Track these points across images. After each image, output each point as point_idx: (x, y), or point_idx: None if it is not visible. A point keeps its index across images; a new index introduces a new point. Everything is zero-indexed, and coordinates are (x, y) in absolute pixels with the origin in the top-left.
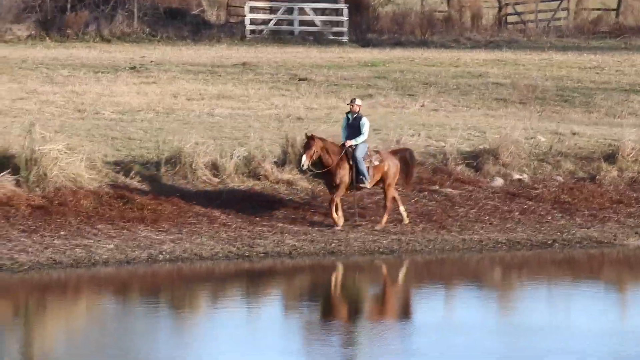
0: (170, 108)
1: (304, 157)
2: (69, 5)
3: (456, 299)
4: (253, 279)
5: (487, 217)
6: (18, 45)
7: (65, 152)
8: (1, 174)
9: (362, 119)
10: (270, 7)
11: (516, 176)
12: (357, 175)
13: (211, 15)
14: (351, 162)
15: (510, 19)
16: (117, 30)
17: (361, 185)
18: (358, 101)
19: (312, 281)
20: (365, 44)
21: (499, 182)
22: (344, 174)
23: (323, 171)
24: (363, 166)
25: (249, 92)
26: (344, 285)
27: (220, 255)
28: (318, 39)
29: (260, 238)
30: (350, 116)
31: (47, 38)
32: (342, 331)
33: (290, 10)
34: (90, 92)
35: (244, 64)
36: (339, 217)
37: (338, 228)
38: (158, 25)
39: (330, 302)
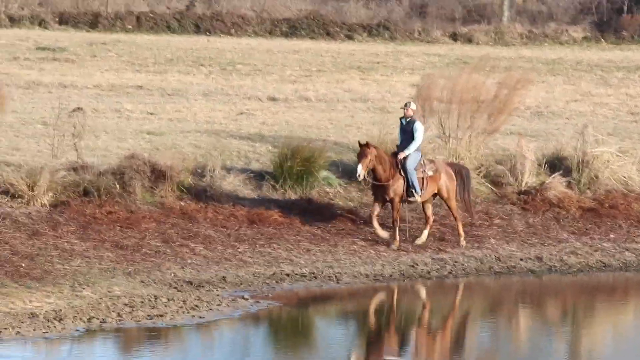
0: None
1: (360, 167)
2: (625, 7)
3: None
4: None
5: None
6: (573, 46)
7: (617, 155)
8: (553, 175)
9: (415, 124)
10: None
11: None
12: (407, 187)
13: None
14: (402, 173)
15: None
16: None
17: (411, 199)
18: (412, 105)
19: None
20: None
21: None
22: (397, 187)
23: (379, 184)
24: (414, 178)
25: None
26: None
27: None
28: None
29: None
30: (403, 121)
31: (602, 39)
32: None
33: None
34: None
35: None
36: (396, 238)
37: (393, 247)
38: None
39: None
